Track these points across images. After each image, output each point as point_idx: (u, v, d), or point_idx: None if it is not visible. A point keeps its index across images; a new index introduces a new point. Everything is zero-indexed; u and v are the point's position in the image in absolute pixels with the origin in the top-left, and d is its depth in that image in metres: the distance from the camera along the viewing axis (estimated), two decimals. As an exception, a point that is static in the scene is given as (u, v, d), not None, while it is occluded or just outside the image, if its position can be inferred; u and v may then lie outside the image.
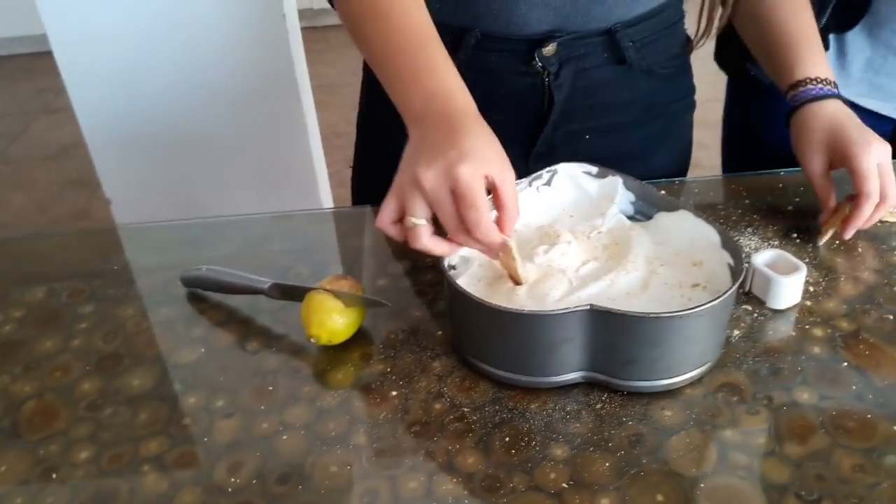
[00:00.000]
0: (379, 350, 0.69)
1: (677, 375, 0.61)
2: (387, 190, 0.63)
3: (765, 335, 0.67)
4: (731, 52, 1.03)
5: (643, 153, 0.92)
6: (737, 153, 1.17)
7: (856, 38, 0.97)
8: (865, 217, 0.74)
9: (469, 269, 0.69)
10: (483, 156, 0.59)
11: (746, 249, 0.76)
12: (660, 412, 0.61)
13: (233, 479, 0.57)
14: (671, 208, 0.71)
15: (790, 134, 0.80)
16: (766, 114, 1.07)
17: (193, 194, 1.82)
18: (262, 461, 0.59)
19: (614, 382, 0.62)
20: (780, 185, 0.87)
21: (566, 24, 0.80)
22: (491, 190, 0.60)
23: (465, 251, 0.71)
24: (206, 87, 1.67)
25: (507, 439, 0.59)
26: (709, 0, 0.84)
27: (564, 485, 0.55)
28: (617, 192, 0.74)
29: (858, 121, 0.76)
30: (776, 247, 0.76)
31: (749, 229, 0.80)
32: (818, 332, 0.67)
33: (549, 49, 0.81)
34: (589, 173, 0.76)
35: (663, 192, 0.73)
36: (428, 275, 0.78)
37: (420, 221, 0.60)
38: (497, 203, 0.61)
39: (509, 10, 0.79)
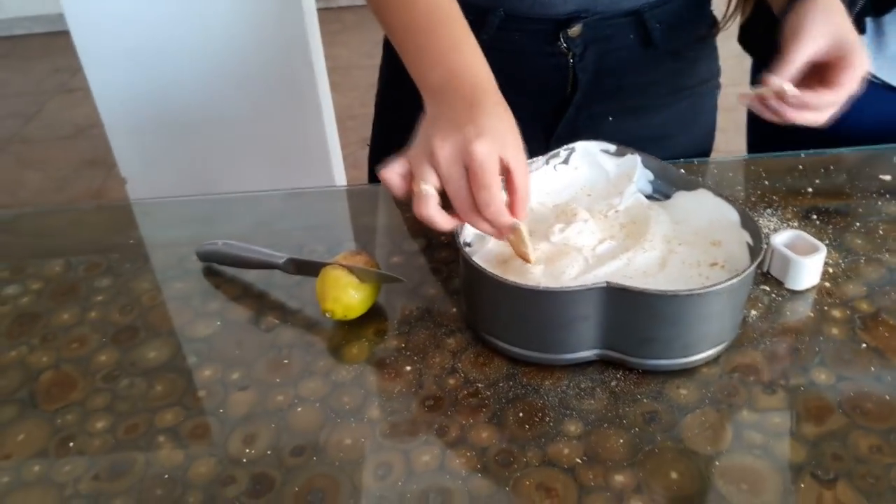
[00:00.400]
0: (394, 326, 0.69)
1: (694, 354, 0.61)
2: None
3: (783, 316, 0.67)
4: (756, 32, 1.02)
5: (667, 135, 0.92)
6: (762, 136, 1.15)
7: (893, 20, 0.95)
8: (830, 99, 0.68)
9: (485, 247, 0.69)
10: (500, 136, 0.59)
11: (765, 230, 0.76)
12: (675, 390, 0.60)
13: (248, 451, 0.58)
14: (690, 187, 0.70)
15: (786, 20, 0.73)
16: None
17: (208, 174, 1.83)
18: (276, 433, 0.59)
19: (630, 361, 0.62)
20: (800, 166, 0.86)
21: (594, 4, 0.80)
22: (504, 172, 0.59)
23: (479, 228, 0.70)
24: (221, 67, 1.67)
25: (521, 415, 0.59)
26: None
27: (578, 460, 0.55)
28: (635, 170, 0.73)
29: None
30: (795, 228, 0.75)
31: (768, 210, 0.79)
32: (837, 313, 0.67)
33: (575, 30, 0.81)
34: (607, 151, 0.76)
35: (682, 171, 0.72)
36: (443, 252, 0.77)
37: (430, 189, 0.59)
38: (509, 186, 0.60)
39: None
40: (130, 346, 0.69)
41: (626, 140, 0.76)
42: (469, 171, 0.57)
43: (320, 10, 1.90)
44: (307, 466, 0.56)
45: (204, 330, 0.70)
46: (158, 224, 0.89)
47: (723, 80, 0.96)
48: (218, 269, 0.77)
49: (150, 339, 0.70)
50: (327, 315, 0.67)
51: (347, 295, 0.66)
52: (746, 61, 1.08)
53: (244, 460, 0.57)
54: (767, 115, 0.72)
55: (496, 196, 0.58)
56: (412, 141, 0.62)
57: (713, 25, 0.90)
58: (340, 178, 2.02)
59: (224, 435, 0.60)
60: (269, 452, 0.58)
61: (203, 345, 0.69)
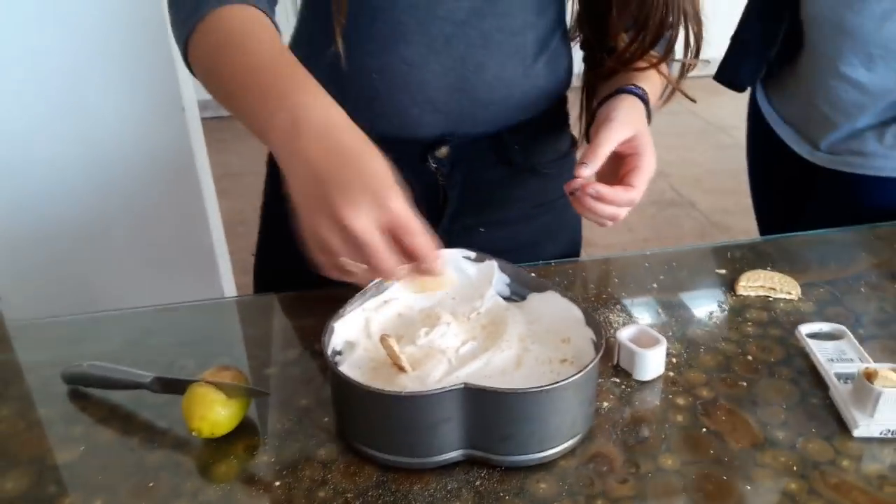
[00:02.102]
0: (264, 441, 0.69)
1: (550, 448, 0.64)
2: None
3: (632, 405, 0.72)
4: (737, 66, 1.17)
5: (535, 245, 0.99)
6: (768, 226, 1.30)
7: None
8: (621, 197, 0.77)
9: (353, 355, 0.71)
10: (392, 178, 0.56)
11: (614, 325, 0.82)
12: (535, 485, 0.63)
13: (107, 583, 0.56)
14: (541, 289, 0.76)
15: (599, 113, 0.84)
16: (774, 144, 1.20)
17: (90, 287, 1.78)
18: (138, 561, 0.58)
19: (492, 458, 0.64)
20: (647, 263, 0.94)
21: (456, 128, 0.86)
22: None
23: (350, 335, 0.73)
24: (100, 180, 1.66)
25: (390, 522, 0.60)
26: (586, 101, 0.93)
27: (443, 564, 0.57)
28: (493, 274, 0.78)
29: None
30: (641, 322, 0.82)
31: (617, 306, 0.86)
32: (681, 400, 0.72)
33: (442, 152, 0.87)
34: (468, 258, 0.81)
35: (533, 274, 0.77)
36: (317, 361, 0.79)
37: (361, 267, 0.56)
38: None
39: (403, 114, 0.85)
40: (-16, 479, 0.66)
41: (497, 250, 0.81)
42: (393, 227, 0.54)
43: (209, 119, 1.93)
44: None
45: (67, 456, 0.68)
46: (22, 346, 0.86)
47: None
48: (84, 391, 0.76)
49: (7, 468, 0.67)
50: (194, 434, 0.66)
51: (214, 412, 0.66)
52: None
53: None
54: (579, 210, 0.80)
55: (427, 236, 0.56)
56: (299, 206, 0.57)
57: (572, 143, 0.99)
58: (229, 284, 2.00)
59: (83, 568, 0.57)
60: (129, 583, 0.56)
61: (66, 472, 0.67)
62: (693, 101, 0.91)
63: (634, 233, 2.85)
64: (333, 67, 0.80)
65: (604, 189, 0.76)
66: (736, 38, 1.22)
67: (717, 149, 3.65)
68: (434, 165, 0.88)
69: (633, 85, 0.84)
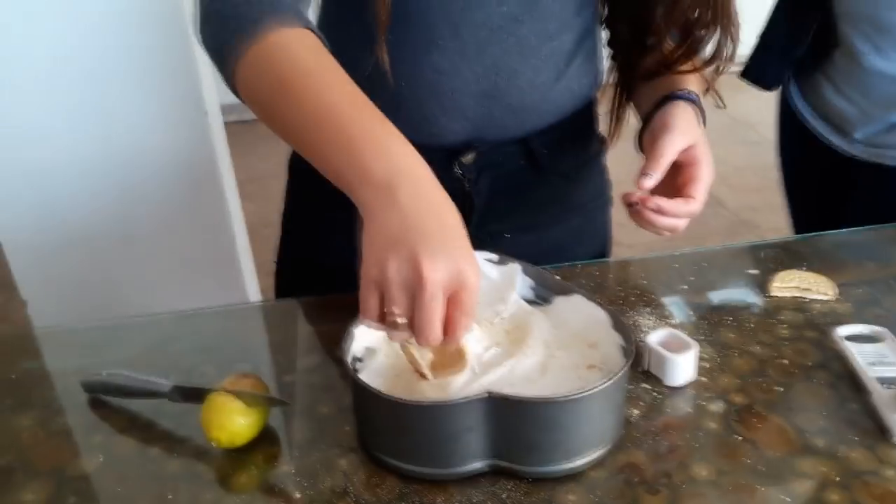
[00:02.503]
0: (285, 450, 0.68)
1: (579, 458, 0.62)
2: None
3: (663, 413, 0.69)
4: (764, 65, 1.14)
5: (562, 249, 0.96)
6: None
7: None
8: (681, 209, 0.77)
9: (374, 362, 0.70)
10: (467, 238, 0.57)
11: (643, 328, 0.79)
12: (564, 497, 0.61)
13: None
14: (566, 292, 0.73)
15: (654, 118, 0.83)
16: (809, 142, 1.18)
17: (114, 291, 1.79)
18: (157, 575, 0.57)
19: (519, 470, 0.62)
20: (676, 265, 0.92)
21: (483, 134, 0.84)
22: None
23: (371, 341, 0.71)
24: (124, 184, 1.66)
25: (413, 535, 0.59)
26: (617, 100, 0.91)
27: (468, 579, 0.55)
28: (516, 278, 0.76)
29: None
30: (671, 325, 0.79)
31: (647, 309, 0.83)
32: (713, 407, 0.70)
33: (469, 158, 0.85)
34: (490, 260, 0.79)
35: (558, 277, 0.75)
36: (338, 368, 0.78)
37: (403, 322, 0.56)
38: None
39: (430, 122, 0.82)
40: (5, 490, 0.65)
41: (524, 255, 0.78)
42: (459, 286, 0.55)
43: (232, 124, 1.93)
44: None
45: (86, 466, 0.68)
46: (43, 354, 0.86)
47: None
48: (105, 399, 0.75)
49: (27, 480, 0.66)
50: (214, 444, 0.65)
51: (233, 422, 0.65)
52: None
53: None
54: (637, 222, 0.78)
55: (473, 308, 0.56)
56: (366, 254, 0.56)
57: (601, 143, 0.97)
58: (253, 287, 2.00)
59: (101, 582, 0.57)
60: None
61: (84, 483, 0.66)
62: (723, 106, 0.89)
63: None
64: (361, 76, 0.78)
65: (665, 203, 0.76)
66: (764, 38, 1.20)
67: (743, 145, 3.58)
68: (460, 172, 0.86)
69: (686, 90, 0.83)
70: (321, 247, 0.70)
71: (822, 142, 1.16)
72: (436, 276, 0.53)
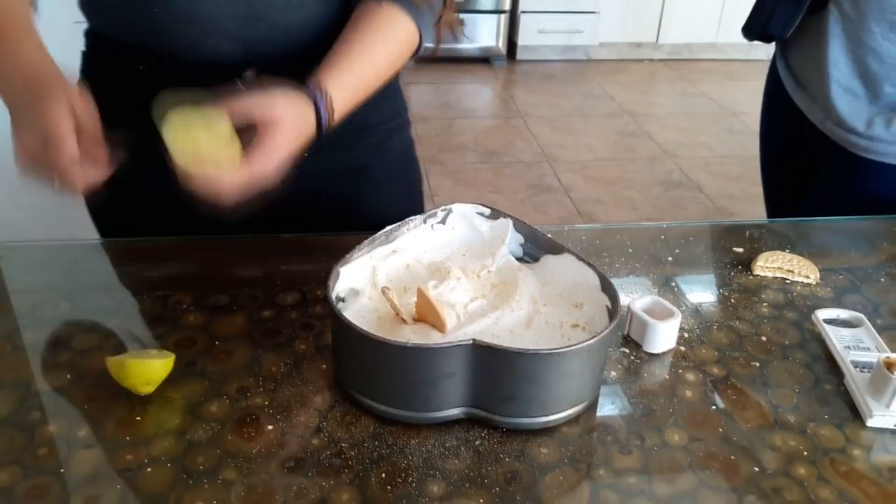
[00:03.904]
0: (258, 383, 0.67)
1: (554, 413, 0.62)
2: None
3: (640, 378, 0.69)
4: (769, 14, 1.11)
5: (364, 167, 0.96)
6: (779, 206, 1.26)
7: None
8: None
9: (357, 303, 0.69)
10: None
11: (627, 295, 0.79)
12: (536, 449, 0.61)
13: (87, 514, 0.54)
14: (557, 251, 0.73)
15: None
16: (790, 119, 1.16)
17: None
18: (122, 495, 0.56)
19: (495, 419, 0.62)
20: (662, 236, 0.92)
21: (259, 51, 0.83)
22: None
23: (355, 283, 0.70)
24: None
25: (384, 476, 0.58)
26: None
27: (437, 522, 0.55)
28: (507, 233, 0.76)
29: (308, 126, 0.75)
30: (655, 294, 0.79)
31: (631, 276, 0.83)
32: (690, 376, 0.70)
33: (250, 75, 0.84)
34: (482, 214, 0.78)
35: (550, 235, 0.75)
36: (317, 307, 0.76)
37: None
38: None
39: (198, 44, 0.82)
40: (-34, 400, 0.63)
41: (327, 172, 0.79)
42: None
43: None
44: (152, 530, 0.53)
45: (52, 383, 0.66)
46: (15, 268, 0.83)
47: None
48: (75, 318, 0.73)
49: (-10, 391, 0.65)
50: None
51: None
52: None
53: (82, 524, 0.53)
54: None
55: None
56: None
57: None
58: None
59: (64, 496, 0.55)
60: (111, 516, 0.54)
61: (50, 399, 0.64)
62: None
63: (639, 211, 2.82)
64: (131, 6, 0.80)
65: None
66: None
67: (728, 133, 3.60)
68: (244, 89, 0.85)
69: (321, 87, 0.76)
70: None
71: (801, 114, 1.15)
72: (24, 140, 0.67)
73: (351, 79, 0.78)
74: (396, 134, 1.01)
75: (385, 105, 0.96)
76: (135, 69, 0.84)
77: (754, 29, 1.16)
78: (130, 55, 0.83)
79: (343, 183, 0.82)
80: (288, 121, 0.70)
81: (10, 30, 0.74)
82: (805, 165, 1.19)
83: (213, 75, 0.79)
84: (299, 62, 0.82)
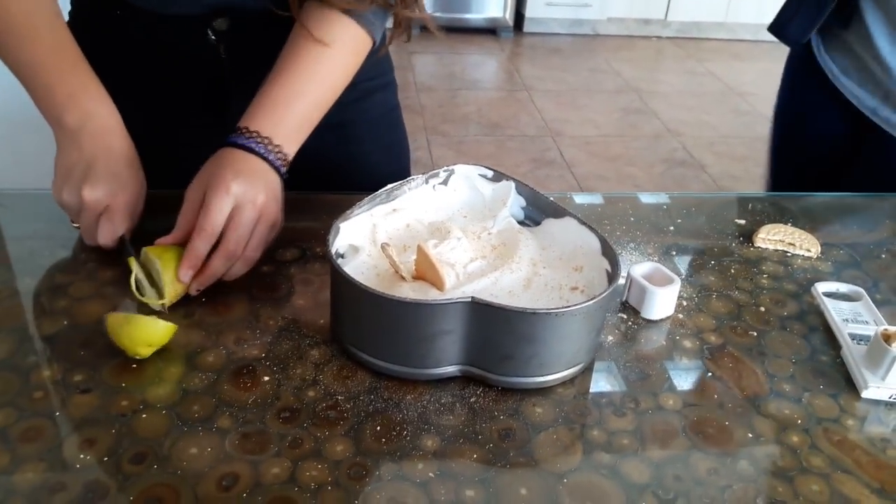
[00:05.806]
0: (256, 335, 0.67)
1: (550, 374, 0.62)
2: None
3: (637, 343, 0.69)
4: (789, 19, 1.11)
5: (343, 123, 0.94)
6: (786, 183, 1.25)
7: None
8: (197, 253, 0.68)
9: (356, 259, 0.68)
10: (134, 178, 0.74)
11: (627, 262, 0.79)
12: (531, 408, 0.61)
13: (82, 456, 0.54)
14: (558, 215, 0.72)
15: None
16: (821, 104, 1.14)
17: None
18: (116, 439, 0.56)
19: (490, 378, 0.62)
20: (665, 206, 0.91)
21: (231, 2, 0.82)
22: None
23: (355, 239, 0.70)
24: None
25: (379, 429, 0.58)
26: None
27: (431, 475, 0.55)
28: (509, 196, 0.75)
29: (242, 167, 0.71)
30: (654, 261, 0.79)
31: (631, 244, 0.83)
32: (687, 343, 0.70)
33: (220, 24, 0.84)
34: (484, 176, 0.77)
35: (552, 199, 0.74)
36: (315, 264, 0.76)
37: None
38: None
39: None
40: (-38, 342, 0.63)
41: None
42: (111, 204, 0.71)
43: None
44: (146, 475, 0.53)
45: (49, 328, 0.66)
46: (13, 216, 0.83)
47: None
48: (72, 266, 0.73)
49: (-14, 335, 0.64)
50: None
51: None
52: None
53: (77, 466, 0.53)
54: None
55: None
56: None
57: None
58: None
59: (58, 439, 0.56)
60: (105, 459, 0.54)
61: (46, 344, 0.64)
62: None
63: (641, 189, 2.82)
64: None
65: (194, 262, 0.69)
66: None
67: (734, 114, 3.58)
68: (214, 38, 0.83)
69: (252, 135, 0.73)
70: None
71: (834, 104, 1.13)
72: (91, 196, 0.69)
73: (286, 112, 0.75)
74: (379, 94, 0.99)
75: (365, 63, 0.89)
76: (113, 14, 0.85)
77: (776, 30, 1.16)
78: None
79: (318, 138, 0.78)
80: (213, 186, 0.68)
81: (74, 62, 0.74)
82: (834, 154, 1.17)
83: (186, 27, 0.82)
84: (274, 14, 0.79)
